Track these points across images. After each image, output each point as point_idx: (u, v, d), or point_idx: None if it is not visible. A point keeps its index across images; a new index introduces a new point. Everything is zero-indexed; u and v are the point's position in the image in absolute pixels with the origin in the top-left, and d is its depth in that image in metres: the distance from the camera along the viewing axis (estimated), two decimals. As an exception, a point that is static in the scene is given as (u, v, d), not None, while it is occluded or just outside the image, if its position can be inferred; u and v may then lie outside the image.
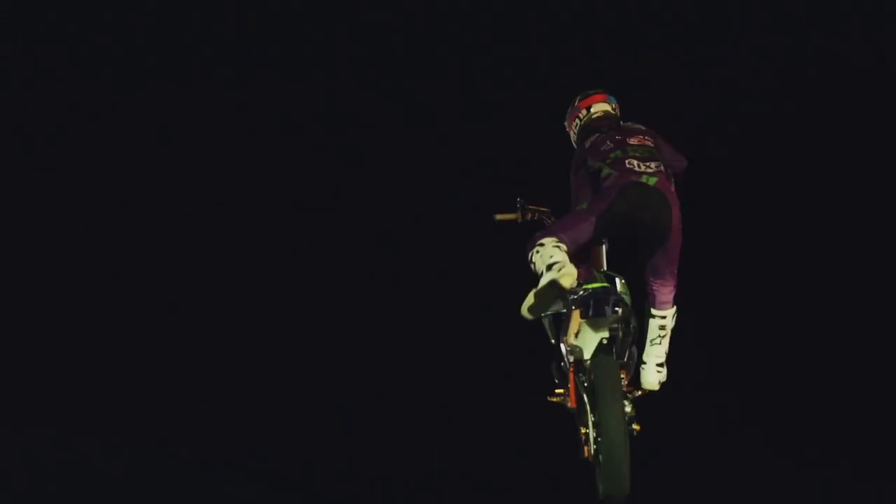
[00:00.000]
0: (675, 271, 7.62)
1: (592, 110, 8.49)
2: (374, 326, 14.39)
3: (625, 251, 7.87)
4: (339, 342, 14.46)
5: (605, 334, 7.27)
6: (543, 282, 7.09)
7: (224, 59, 14.35)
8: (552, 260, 7.07)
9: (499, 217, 8.12)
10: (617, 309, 7.24)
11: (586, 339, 7.25)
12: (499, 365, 13.69)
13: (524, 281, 7.88)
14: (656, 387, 7.62)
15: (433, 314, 14.23)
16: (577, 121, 8.53)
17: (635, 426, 7.27)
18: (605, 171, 7.67)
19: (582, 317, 7.22)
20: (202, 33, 14.34)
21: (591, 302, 7.18)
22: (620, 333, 7.32)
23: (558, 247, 7.18)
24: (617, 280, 7.56)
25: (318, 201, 14.47)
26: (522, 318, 7.18)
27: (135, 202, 14.44)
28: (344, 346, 14.45)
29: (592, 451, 7.28)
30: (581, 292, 7.24)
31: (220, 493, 14.24)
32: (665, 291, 7.61)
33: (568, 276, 7.03)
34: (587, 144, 8.14)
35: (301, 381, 14.37)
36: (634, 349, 7.57)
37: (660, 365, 7.64)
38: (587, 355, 7.31)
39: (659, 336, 7.64)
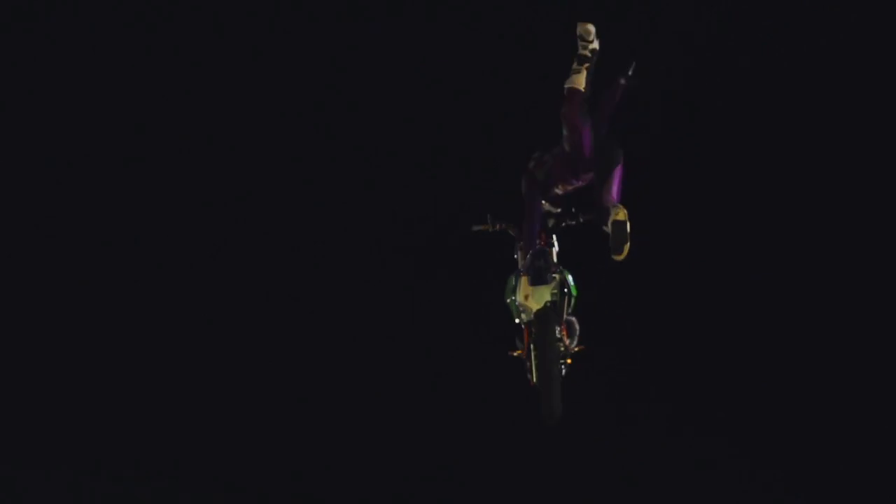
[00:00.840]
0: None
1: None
2: (367, 330, 14.47)
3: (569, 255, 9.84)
4: (331, 344, 14.52)
5: (548, 297, 9.44)
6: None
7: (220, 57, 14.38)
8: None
9: (475, 228, 9.97)
10: (554, 276, 9.48)
11: (534, 301, 9.46)
12: (490, 371, 13.72)
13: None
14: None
15: (426, 317, 14.28)
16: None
17: (568, 360, 9.52)
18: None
19: (529, 284, 9.48)
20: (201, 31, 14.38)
21: (535, 272, 9.47)
22: (559, 297, 9.49)
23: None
24: (566, 273, 9.60)
25: (310, 204, 14.50)
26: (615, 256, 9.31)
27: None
28: (338, 348, 14.51)
29: (535, 380, 9.43)
30: (529, 263, 9.53)
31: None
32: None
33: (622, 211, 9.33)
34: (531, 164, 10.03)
35: (296, 385, 14.45)
36: (572, 317, 9.63)
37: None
38: (534, 315, 9.48)
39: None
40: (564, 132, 9.67)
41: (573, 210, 9.82)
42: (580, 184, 9.76)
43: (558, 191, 9.88)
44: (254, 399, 14.50)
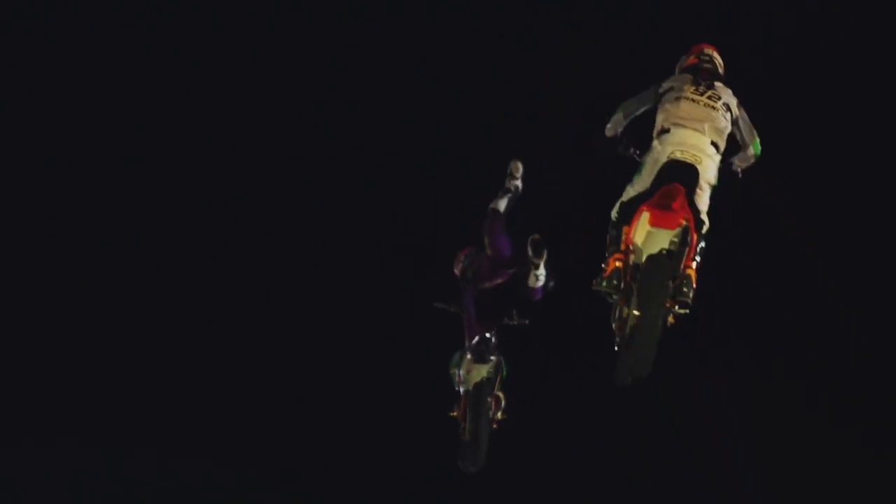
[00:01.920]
0: None
1: None
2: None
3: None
4: (331, 344, 14.52)
5: (485, 374, 11.49)
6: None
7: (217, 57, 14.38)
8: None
9: (437, 305, 11.88)
10: (492, 359, 11.53)
11: (474, 376, 11.52)
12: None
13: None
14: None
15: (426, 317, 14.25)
16: None
17: (494, 426, 11.61)
18: None
19: (472, 361, 11.52)
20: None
21: (478, 354, 11.46)
22: (493, 375, 11.51)
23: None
24: (503, 358, 11.66)
25: (310, 204, 14.51)
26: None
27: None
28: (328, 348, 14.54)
29: (467, 437, 11.47)
30: (474, 346, 11.49)
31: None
32: None
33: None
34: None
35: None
36: (500, 392, 11.68)
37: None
38: (472, 386, 11.58)
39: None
40: (486, 241, 11.73)
41: (514, 312, 11.63)
42: (502, 280, 11.58)
43: (486, 285, 11.70)
44: (254, 398, 14.51)
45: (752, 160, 9.62)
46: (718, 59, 9.70)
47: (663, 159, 9.18)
